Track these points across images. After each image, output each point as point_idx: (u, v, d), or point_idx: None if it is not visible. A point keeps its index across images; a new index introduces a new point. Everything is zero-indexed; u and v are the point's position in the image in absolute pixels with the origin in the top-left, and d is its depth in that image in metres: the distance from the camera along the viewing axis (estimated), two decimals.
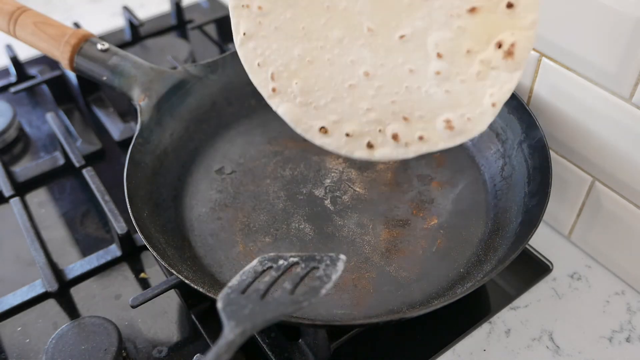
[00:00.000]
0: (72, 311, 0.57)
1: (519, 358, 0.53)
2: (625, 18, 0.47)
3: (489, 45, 0.41)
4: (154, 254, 0.48)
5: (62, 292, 0.59)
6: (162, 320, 0.56)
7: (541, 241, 0.62)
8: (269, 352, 0.51)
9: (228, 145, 0.67)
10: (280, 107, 0.48)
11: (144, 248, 0.61)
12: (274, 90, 0.48)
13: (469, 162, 0.63)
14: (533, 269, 0.59)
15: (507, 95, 0.41)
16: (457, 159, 0.64)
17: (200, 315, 0.55)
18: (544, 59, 0.55)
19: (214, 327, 0.54)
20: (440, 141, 0.44)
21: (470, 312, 0.56)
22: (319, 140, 0.47)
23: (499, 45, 0.40)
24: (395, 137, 0.45)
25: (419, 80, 0.44)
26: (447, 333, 0.54)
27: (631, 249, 0.56)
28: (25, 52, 0.87)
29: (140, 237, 0.56)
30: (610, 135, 0.53)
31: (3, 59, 0.89)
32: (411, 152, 0.45)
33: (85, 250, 0.63)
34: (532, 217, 0.51)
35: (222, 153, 0.66)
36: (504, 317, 0.56)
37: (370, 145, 0.46)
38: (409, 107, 0.44)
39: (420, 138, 0.44)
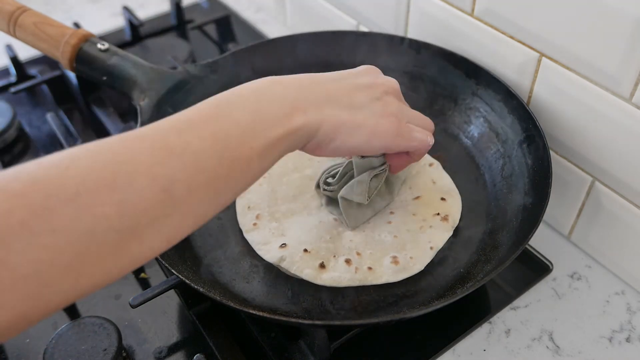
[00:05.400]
0: (71, 311, 0.57)
1: (519, 358, 0.53)
2: (625, 18, 0.47)
3: (429, 214, 0.57)
4: None
5: None
6: (162, 320, 0.56)
7: (541, 241, 0.62)
8: (269, 352, 0.51)
9: None
10: (254, 235, 0.57)
11: None
12: (254, 225, 0.58)
13: (469, 162, 0.63)
14: (533, 269, 0.59)
15: (442, 244, 0.55)
16: (457, 159, 0.63)
17: (200, 315, 0.55)
18: (544, 59, 0.55)
19: (214, 327, 0.54)
20: (385, 275, 0.53)
21: (470, 312, 0.56)
22: (274, 253, 0.54)
23: (438, 214, 0.57)
24: (347, 261, 0.53)
25: (374, 229, 0.56)
26: (447, 333, 0.54)
27: (631, 249, 0.56)
28: (25, 52, 0.87)
29: None
30: (610, 135, 0.53)
31: (3, 59, 0.89)
32: (357, 279, 0.53)
33: None
34: (532, 217, 0.51)
35: None
36: (504, 317, 0.56)
37: (322, 266, 0.53)
38: (363, 246, 0.55)
39: (369, 268, 0.53)
